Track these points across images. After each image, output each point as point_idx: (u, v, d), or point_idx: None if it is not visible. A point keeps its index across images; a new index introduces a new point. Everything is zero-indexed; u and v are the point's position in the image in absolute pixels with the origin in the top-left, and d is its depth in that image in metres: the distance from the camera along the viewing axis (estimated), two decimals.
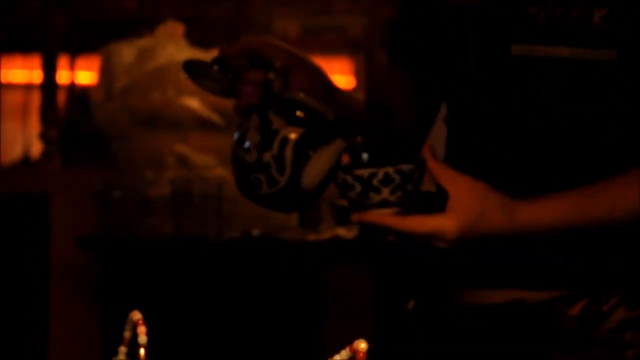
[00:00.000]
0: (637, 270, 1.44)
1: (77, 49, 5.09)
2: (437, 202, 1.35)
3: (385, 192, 1.33)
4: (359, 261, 3.54)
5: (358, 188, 1.34)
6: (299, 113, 1.39)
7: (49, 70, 4.16)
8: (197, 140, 3.64)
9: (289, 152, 1.37)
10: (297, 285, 3.55)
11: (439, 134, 1.59)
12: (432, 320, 1.51)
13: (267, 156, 1.37)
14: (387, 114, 1.58)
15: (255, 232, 3.45)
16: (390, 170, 1.32)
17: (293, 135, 1.37)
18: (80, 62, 5.17)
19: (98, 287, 3.81)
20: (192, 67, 1.47)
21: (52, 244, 3.89)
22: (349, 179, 1.34)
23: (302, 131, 1.38)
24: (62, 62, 4.90)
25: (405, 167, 1.33)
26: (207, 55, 4.25)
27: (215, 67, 1.44)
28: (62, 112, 4.79)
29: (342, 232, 3.42)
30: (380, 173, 1.32)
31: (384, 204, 1.33)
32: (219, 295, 3.53)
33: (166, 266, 3.57)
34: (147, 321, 1.18)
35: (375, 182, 1.33)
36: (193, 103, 3.64)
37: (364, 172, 1.33)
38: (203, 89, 1.48)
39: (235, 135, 1.41)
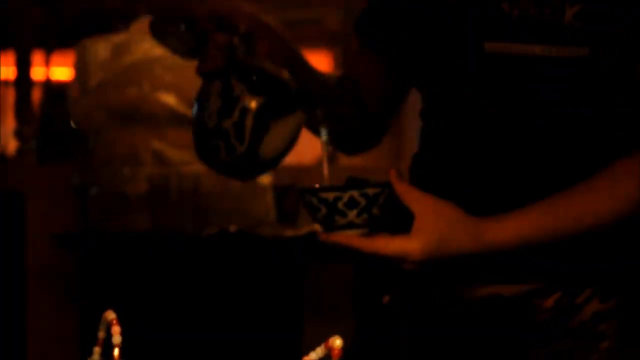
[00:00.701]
0: (610, 265, 1.44)
1: (52, 45, 5.07)
2: (405, 223, 1.35)
3: (351, 215, 1.32)
4: (337, 257, 3.53)
5: (324, 210, 1.33)
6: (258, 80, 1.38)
7: (24, 66, 4.12)
8: (173, 136, 3.62)
9: (249, 121, 1.36)
10: (276, 281, 3.54)
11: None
12: (408, 315, 1.51)
13: (227, 123, 1.37)
14: (356, 91, 1.57)
15: (233, 228, 3.44)
16: (355, 193, 1.32)
17: (254, 104, 1.37)
18: (56, 57, 5.15)
19: (76, 285, 3.80)
20: (158, 27, 1.47)
21: (29, 242, 3.87)
22: (314, 201, 1.34)
23: (263, 100, 1.37)
24: (37, 58, 4.87)
25: (371, 191, 1.32)
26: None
27: (182, 26, 1.42)
28: (38, 109, 4.77)
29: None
30: (346, 196, 1.32)
31: (350, 225, 1.33)
32: (197, 291, 3.52)
33: (144, 263, 3.56)
34: (125, 319, 1.17)
35: (340, 205, 1.32)
36: (169, 99, 3.63)
37: (329, 195, 1.32)
38: (167, 49, 1.47)
39: (197, 99, 1.41)
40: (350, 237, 1.34)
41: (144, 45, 3.70)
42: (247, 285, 3.52)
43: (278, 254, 3.44)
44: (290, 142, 1.38)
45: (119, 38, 3.75)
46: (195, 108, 1.42)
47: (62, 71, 5.02)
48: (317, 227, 3.53)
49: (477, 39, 1.40)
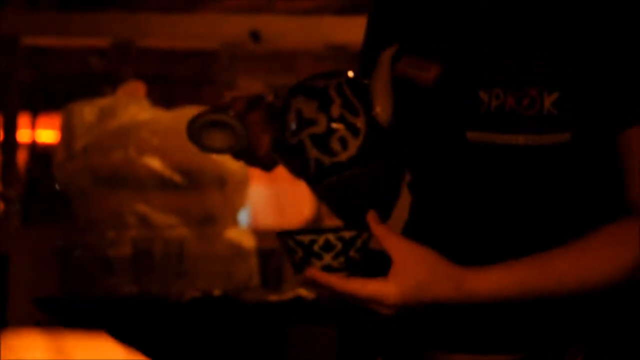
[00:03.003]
0: (596, 324, 1.43)
1: (38, 107, 5.08)
2: (385, 267, 1.33)
3: (328, 258, 1.30)
4: (322, 321, 3.52)
5: (300, 253, 1.31)
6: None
7: (10, 128, 4.13)
8: (158, 200, 3.62)
9: (349, 94, 1.34)
10: (260, 346, 3.52)
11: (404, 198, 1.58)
12: None
13: (335, 109, 1.34)
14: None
15: (217, 291, 3.42)
16: (330, 236, 1.30)
17: (343, 78, 1.34)
18: (42, 120, 5.16)
19: None
20: (196, 125, 1.39)
21: (11, 305, 3.85)
22: (291, 244, 1.32)
23: (348, 74, 1.35)
24: (23, 120, 4.88)
25: (347, 234, 1.30)
26: (172, 114, 4.23)
27: (230, 113, 1.38)
28: (23, 171, 4.76)
29: (304, 292, 3.40)
30: (321, 239, 1.30)
31: (328, 268, 1.31)
32: (181, 356, 3.50)
33: (127, 326, 3.54)
34: None
35: (316, 247, 1.30)
36: (154, 162, 3.63)
37: (305, 238, 1.30)
38: (210, 151, 1.40)
39: (287, 135, 1.36)
40: (327, 276, 1.31)
41: (130, 109, 3.71)
42: (230, 350, 3.50)
43: (262, 318, 3.42)
44: (394, 97, 1.35)
45: (105, 102, 3.77)
46: (293, 139, 1.36)
47: (48, 134, 5.03)
48: (301, 290, 3.45)
49: (459, 127, 1.40)
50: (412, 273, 1.32)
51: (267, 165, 1.46)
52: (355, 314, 3.32)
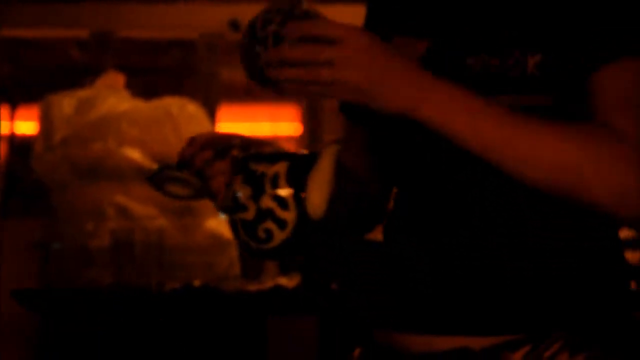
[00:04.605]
0: (575, 310, 1.44)
1: (17, 99, 5.06)
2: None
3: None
4: (302, 310, 3.52)
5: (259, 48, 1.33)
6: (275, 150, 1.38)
7: None
8: (137, 191, 3.61)
9: (284, 186, 1.35)
10: (241, 336, 3.52)
11: None
12: None
13: (266, 201, 1.35)
14: (349, 170, 1.54)
15: (197, 282, 3.42)
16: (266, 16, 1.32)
17: (281, 170, 1.35)
18: (21, 112, 5.14)
19: (38, 342, 3.75)
20: (158, 177, 1.44)
21: None
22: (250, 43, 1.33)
23: (288, 164, 1.36)
24: (2, 112, 4.86)
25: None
26: (152, 105, 4.22)
27: (184, 171, 1.41)
28: (2, 163, 4.74)
29: (284, 281, 3.40)
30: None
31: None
32: (161, 347, 3.49)
33: (108, 318, 3.53)
34: None
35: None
36: (134, 154, 3.62)
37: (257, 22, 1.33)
38: (173, 198, 1.44)
39: (222, 209, 1.39)
40: (300, 25, 1.31)
41: (109, 101, 3.70)
42: (210, 340, 3.49)
43: (242, 308, 3.42)
44: (332, 192, 1.35)
45: (84, 93, 3.76)
46: (230, 220, 1.39)
47: (27, 126, 5.01)
48: (281, 280, 3.44)
49: None
50: (372, 46, 1.32)
51: None
52: (338, 301, 3.31)
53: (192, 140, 1.44)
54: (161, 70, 5.77)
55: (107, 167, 3.65)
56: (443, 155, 1.42)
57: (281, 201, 1.34)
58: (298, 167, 1.36)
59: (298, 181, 1.35)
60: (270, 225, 1.35)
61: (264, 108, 5.65)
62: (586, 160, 1.35)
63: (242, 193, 1.36)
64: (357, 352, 1.53)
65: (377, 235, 1.44)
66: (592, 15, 1.39)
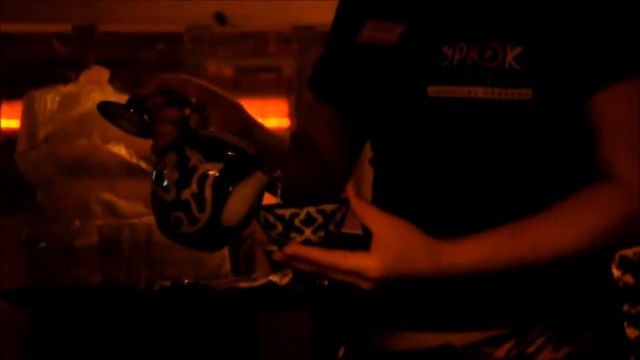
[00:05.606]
0: (564, 300, 1.43)
1: (1, 95, 5.03)
2: (362, 243, 1.34)
3: (308, 232, 1.32)
4: (294, 307, 3.51)
5: (280, 228, 1.32)
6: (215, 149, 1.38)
7: None
8: (124, 188, 3.59)
9: (208, 189, 1.35)
10: (232, 333, 3.50)
11: (364, 174, 1.61)
12: None
13: (186, 194, 1.36)
14: (312, 150, 1.56)
15: (187, 279, 3.40)
16: (312, 209, 1.31)
17: (212, 172, 1.36)
18: (4, 108, 5.10)
19: (26, 341, 3.74)
20: (107, 109, 1.46)
21: None
22: (270, 218, 1.33)
23: (221, 167, 1.36)
24: None
25: (328, 207, 1.31)
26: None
27: (130, 109, 1.43)
28: None
29: (276, 278, 3.38)
30: (302, 213, 1.31)
31: (307, 243, 1.32)
32: (151, 346, 3.47)
33: (96, 316, 3.51)
34: None
35: (297, 222, 1.31)
36: (120, 150, 3.60)
37: (286, 212, 1.32)
38: (120, 129, 1.47)
39: (153, 174, 1.41)
40: (309, 249, 1.31)
41: (93, 96, 3.68)
42: (202, 338, 3.48)
43: (233, 305, 3.40)
44: (253, 206, 1.37)
45: (67, 89, 3.73)
46: (152, 183, 1.41)
47: (10, 122, 4.98)
48: (273, 277, 3.43)
49: (420, 82, 1.40)
50: (393, 245, 1.31)
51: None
52: (328, 297, 3.31)
53: (151, 80, 1.44)
54: (146, 64, 5.74)
55: (93, 163, 3.63)
56: (423, 138, 1.43)
57: (200, 202, 1.36)
58: (229, 174, 1.36)
59: (223, 188, 1.36)
60: (182, 216, 1.37)
61: (251, 102, 5.63)
62: (581, 235, 1.37)
63: (169, 176, 1.37)
64: (342, 351, 1.56)
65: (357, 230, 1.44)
66: (579, 12, 1.36)
